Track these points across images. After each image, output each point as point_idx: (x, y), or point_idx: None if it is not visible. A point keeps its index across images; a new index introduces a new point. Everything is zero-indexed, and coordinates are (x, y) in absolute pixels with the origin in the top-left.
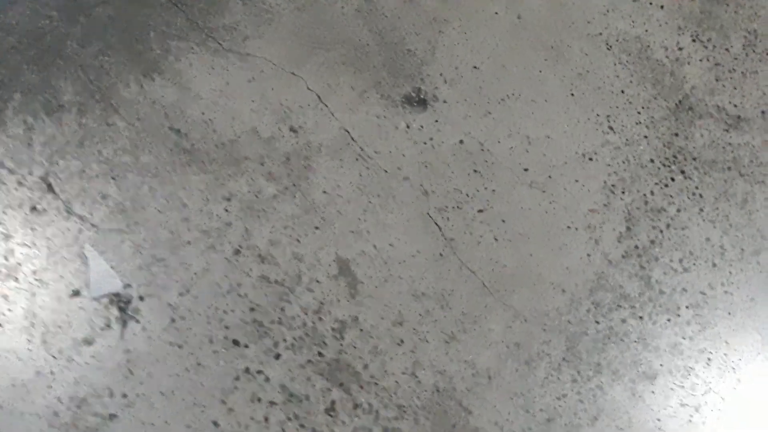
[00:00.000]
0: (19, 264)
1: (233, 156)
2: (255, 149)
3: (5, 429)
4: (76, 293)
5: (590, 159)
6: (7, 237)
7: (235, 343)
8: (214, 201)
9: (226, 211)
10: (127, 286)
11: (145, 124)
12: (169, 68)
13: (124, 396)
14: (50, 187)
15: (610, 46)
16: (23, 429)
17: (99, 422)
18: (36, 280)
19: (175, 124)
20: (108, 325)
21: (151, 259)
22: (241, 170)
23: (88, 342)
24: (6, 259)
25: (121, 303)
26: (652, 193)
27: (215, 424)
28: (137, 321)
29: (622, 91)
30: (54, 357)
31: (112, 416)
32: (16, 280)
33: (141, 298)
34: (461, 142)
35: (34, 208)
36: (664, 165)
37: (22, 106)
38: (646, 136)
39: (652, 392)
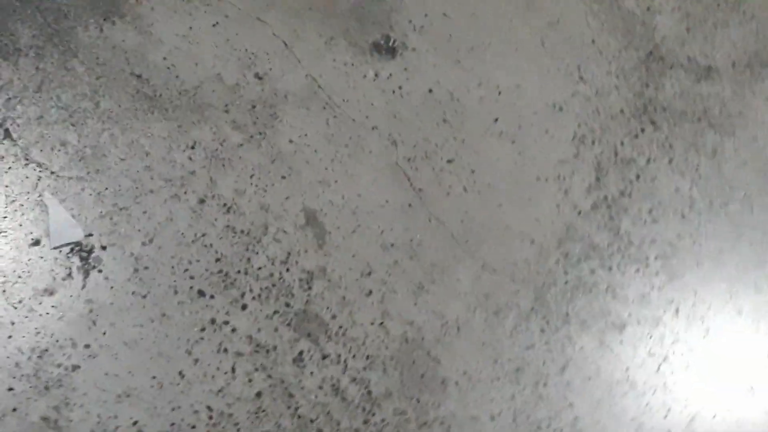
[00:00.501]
0: None
1: (197, 103)
2: (219, 96)
3: None
4: (35, 242)
5: (560, 109)
6: None
7: (201, 293)
8: (177, 149)
9: (190, 159)
10: (89, 235)
11: (106, 69)
12: (130, 11)
13: (87, 347)
14: (7, 133)
15: None
16: None
17: (62, 373)
18: None
19: (136, 70)
20: (69, 275)
21: (112, 207)
22: (205, 118)
23: (50, 292)
24: None
25: (82, 252)
26: (621, 143)
27: (181, 374)
28: (99, 271)
29: (593, 41)
30: (14, 307)
31: (75, 367)
32: None
33: (103, 248)
34: (430, 91)
35: None
36: (634, 116)
37: None
38: (616, 87)
39: (621, 342)
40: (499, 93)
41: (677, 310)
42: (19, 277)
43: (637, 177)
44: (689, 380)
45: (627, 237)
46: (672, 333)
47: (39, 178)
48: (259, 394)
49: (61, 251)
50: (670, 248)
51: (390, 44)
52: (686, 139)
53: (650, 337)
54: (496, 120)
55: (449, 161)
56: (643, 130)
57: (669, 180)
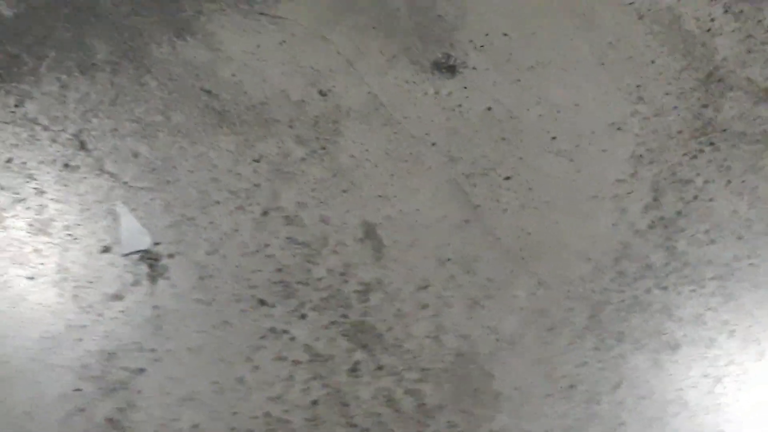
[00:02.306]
0: (52, 219)
1: (263, 118)
2: (284, 112)
3: (36, 380)
4: (106, 249)
5: (619, 129)
6: (41, 192)
7: (262, 302)
8: (243, 162)
9: (255, 172)
10: (157, 243)
11: (177, 85)
12: (201, 29)
13: (153, 351)
14: (83, 145)
15: (642, 16)
16: (54, 380)
17: (127, 376)
18: (68, 235)
19: (206, 85)
20: (137, 282)
21: (180, 217)
22: (270, 132)
23: (118, 297)
24: (39, 214)
25: (150, 260)
26: (679, 164)
27: (241, 380)
28: (166, 278)
29: (653, 62)
30: (84, 311)
31: (141, 370)
32: (49, 234)
33: (170, 256)
34: (489, 109)
35: (66, 165)
36: (692, 137)
37: (56, 63)
38: (675, 107)
39: (674, 362)
40: (558, 111)
41: (732, 332)
42: (90, 282)
43: (695, 198)
44: (742, 402)
45: (683, 257)
46: (726, 354)
47: (111, 188)
48: (315, 402)
49: (130, 258)
50: (727, 269)
51: (450, 62)
52: (744, 161)
53: (704, 358)
54: (554, 138)
55: (507, 178)
56: (701, 151)
57: (726, 201)
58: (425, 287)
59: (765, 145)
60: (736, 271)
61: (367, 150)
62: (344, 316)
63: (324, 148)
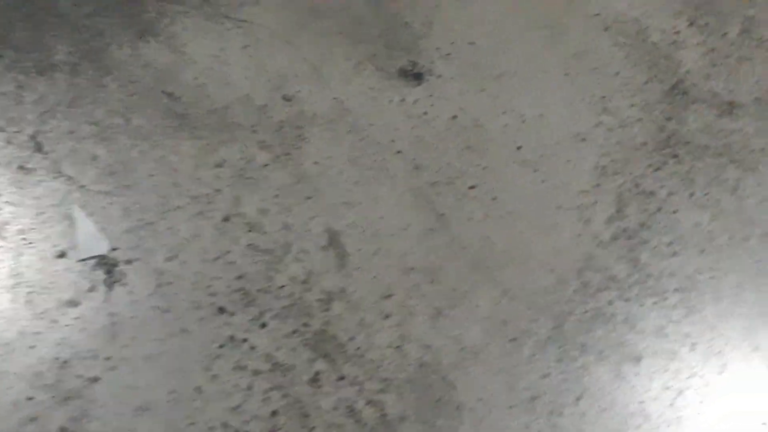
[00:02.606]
0: (6, 223)
1: (226, 122)
2: (248, 116)
3: None
4: (62, 254)
5: (583, 139)
6: None
7: (222, 310)
8: (204, 167)
9: (217, 177)
10: (114, 249)
11: (138, 87)
12: (164, 31)
13: (108, 359)
14: (39, 147)
15: (607, 27)
16: (5, 388)
17: (82, 384)
18: (22, 239)
19: (167, 88)
20: (93, 288)
21: (139, 222)
22: (233, 137)
23: (73, 304)
24: None
25: (107, 266)
26: (643, 176)
27: (198, 390)
28: (123, 284)
29: (618, 73)
30: (38, 317)
31: (95, 379)
32: (3, 238)
33: (128, 262)
34: (455, 117)
35: (22, 167)
36: (656, 149)
37: (13, 63)
38: (639, 119)
39: (637, 374)
40: (523, 121)
41: (694, 345)
42: (44, 287)
43: (658, 210)
44: (704, 415)
45: (646, 269)
46: (688, 367)
47: (68, 191)
48: (275, 413)
49: (86, 264)
50: (689, 282)
51: (416, 70)
52: (708, 174)
53: (666, 371)
54: (520, 148)
55: (472, 187)
56: (665, 163)
57: (689, 214)
58: (389, 296)
59: (728, 158)
60: (699, 284)
61: (331, 157)
62: (306, 324)
63: (288, 154)
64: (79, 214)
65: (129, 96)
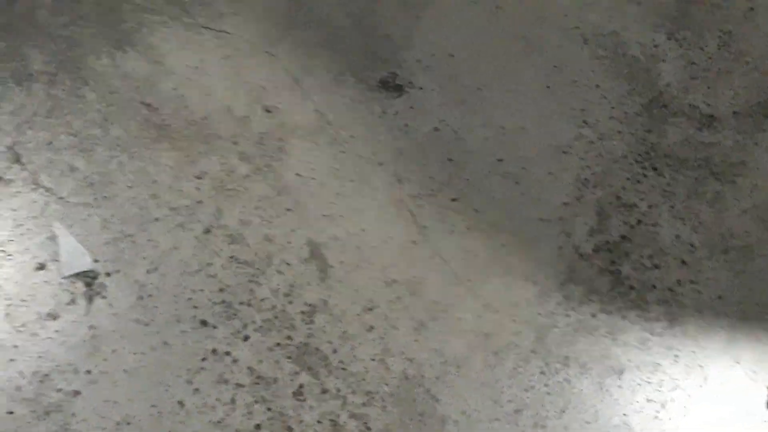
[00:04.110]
0: None
1: (205, 134)
2: (228, 128)
3: None
4: (41, 267)
5: (564, 152)
6: None
7: (203, 323)
8: (184, 178)
9: (197, 189)
10: (94, 261)
11: (116, 98)
12: (142, 41)
13: (88, 372)
14: (17, 157)
15: (587, 40)
16: None
17: (62, 398)
18: (1, 251)
19: (146, 99)
20: (73, 301)
21: (118, 234)
22: (213, 148)
23: (53, 317)
24: None
25: (87, 278)
26: (624, 188)
27: (180, 404)
28: (103, 297)
29: (597, 86)
30: (17, 330)
31: (76, 393)
32: None
33: (108, 274)
34: (436, 129)
35: (0, 178)
36: (636, 161)
37: None
38: (619, 132)
39: (619, 387)
40: (504, 134)
41: (676, 357)
42: (23, 300)
43: (639, 222)
44: (686, 428)
45: (628, 282)
46: (671, 380)
47: (47, 203)
48: (258, 427)
49: (66, 276)
50: (670, 294)
51: (397, 82)
52: (687, 186)
53: (649, 383)
54: (501, 160)
55: (453, 200)
56: (645, 176)
57: (670, 226)
58: (371, 309)
59: (707, 170)
60: (680, 297)
61: (313, 168)
62: (289, 337)
63: (269, 166)
64: (60, 231)
65: (107, 107)
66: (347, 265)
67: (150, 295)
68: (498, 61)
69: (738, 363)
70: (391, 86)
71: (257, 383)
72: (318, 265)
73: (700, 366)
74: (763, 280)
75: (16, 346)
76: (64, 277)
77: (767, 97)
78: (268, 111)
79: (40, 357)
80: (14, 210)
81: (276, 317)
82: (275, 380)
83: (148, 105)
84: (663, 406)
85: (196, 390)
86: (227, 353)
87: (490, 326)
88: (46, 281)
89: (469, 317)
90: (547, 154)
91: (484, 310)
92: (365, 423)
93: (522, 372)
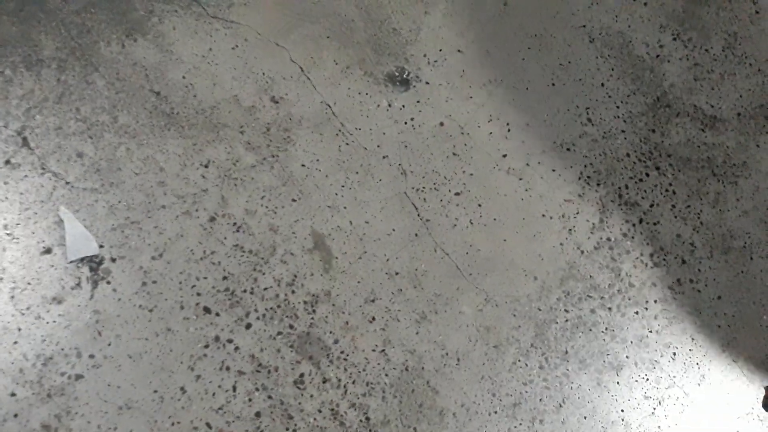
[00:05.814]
0: None
1: (213, 122)
2: (235, 117)
3: None
4: (47, 251)
5: (568, 149)
6: None
7: (207, 310)
8: (191, 166)
9: (203, 177)
10: (100, 246)
11: (125, 85)
12: (152, 30)
13: (92, 357)
14: (25, 142)
15: (593, 39)
16: None
17: (65, 381)
18: (7, 234)
19: (155, 87)
20: (78, 285)
21: (124, 220)
22: (220, 137)
23: (58, 300)
24: None
25: (92, 263)
26: (626, 186)
27: (182, 389)
28: (108, 282)
29: (602, 84)
30: (21, 313)
31: (78, 376)
32: None
33: (113, 260)
34: (441, 124)
35: (8, 162)
36: (639, 160)
37: (0, 58)
38: (623, 131)
39: (617, 383)
40: (509, 130)
41: (674, 355)
42: (29, 284)
43: (640, 221)
44: (683, 426)
45: (628, 279)
46: (668, 377)
47: (54, 188)
48: (258, 414)
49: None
50: (670, 293)
51: (404, 76)
52: (689, 186)
53: (647, 380)
54: (505, 156)
55: (457, 194)
56: (647, 175)
57: (671, 225)
58: (373, 300)
59: (709, 171)
60: (679, 295)
61: (318, 160)
62: (291, 326)
63: (275, 156)
64: (67, 216)
65: (116, 94)
66: (350, 257)
67: (154, 282)
68: (505, 58)
69: (735, 362)
70: (398, 80)
71: (258, 371)
72: (321, 255)
73: (698, 364)
74: (762, 281)
75: (20, 329)
76: (70, 262)
77: None
78: (275, 101)
79: (44, 340)
80: (22, 194)
81: (278, 306)
82: (276, 368)
83: (157, 93)
84: (660, 402)
85: (198, 376)
86: (229, 341)
87: (491, 320)
88: (51, 265)
89: (469, 311)
90: (552, 151)
91: (485, 304)
92: (365, 413)
93: (521, 366)
